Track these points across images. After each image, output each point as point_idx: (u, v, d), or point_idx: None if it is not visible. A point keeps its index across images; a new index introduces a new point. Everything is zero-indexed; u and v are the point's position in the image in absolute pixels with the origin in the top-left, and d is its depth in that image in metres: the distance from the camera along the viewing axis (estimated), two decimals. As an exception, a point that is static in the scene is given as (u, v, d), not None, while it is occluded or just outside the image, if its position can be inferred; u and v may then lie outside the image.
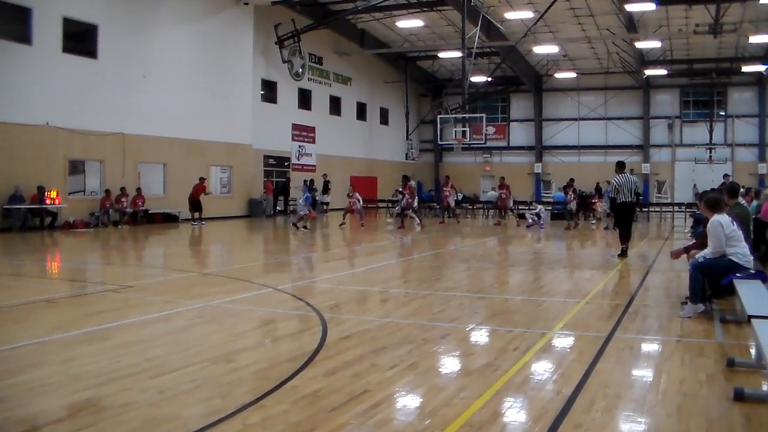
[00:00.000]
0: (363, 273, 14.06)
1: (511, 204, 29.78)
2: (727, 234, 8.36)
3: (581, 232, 24.47)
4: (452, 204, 31.35)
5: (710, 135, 45.58)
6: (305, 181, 35.67)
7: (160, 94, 27.95)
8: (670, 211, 37.11)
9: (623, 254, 15.73)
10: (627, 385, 5.88)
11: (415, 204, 27.60)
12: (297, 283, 12.46)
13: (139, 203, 26.88)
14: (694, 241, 10.64)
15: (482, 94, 47.16)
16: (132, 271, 14.32)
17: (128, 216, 26.37)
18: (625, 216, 15.99)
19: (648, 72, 44.25)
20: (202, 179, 28.37)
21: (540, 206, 28.91)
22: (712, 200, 8.83)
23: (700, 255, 8.67)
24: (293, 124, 38.25)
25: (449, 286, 11.79)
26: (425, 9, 35.11)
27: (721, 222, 8.40)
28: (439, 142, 40.08)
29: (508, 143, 51.78)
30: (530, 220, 27.16)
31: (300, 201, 25.53)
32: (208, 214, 28.84)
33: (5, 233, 21.63)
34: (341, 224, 27.11)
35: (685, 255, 9.78)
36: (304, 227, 24.57)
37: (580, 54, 43.97)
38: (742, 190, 14.69)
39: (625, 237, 15.89)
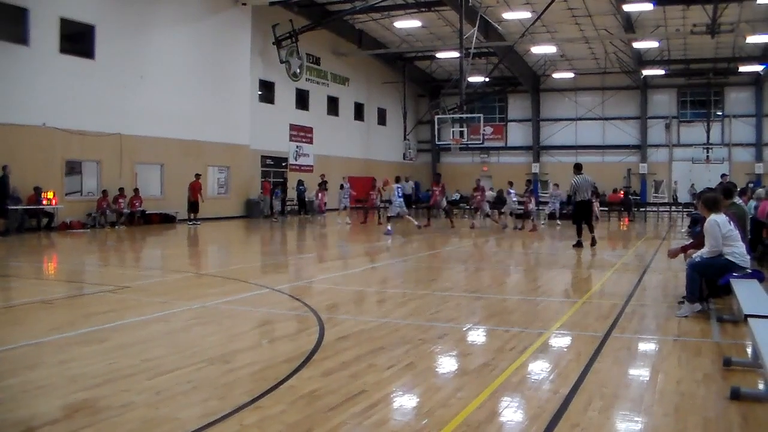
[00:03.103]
0: (360, 273, 14.07)
1: (486, 207, 29.25)
2: (723, 233, 8.35)
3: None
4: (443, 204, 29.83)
5: (707, 135, 45.62)
6: (300, 180, 35.72)
7: (158, 95, 27.93)
8: (667, 211, 37.14)
9: (578, 245, 17.97)
10: (624, 385, 5.88)
11: (444, 203, 29.05)
12: (294, 283, 12.46)
13: (137, 204, 26.86)
14: (692, 240, 10.65)
15: (480, 95, 47.13)
16: (129, 272, 14.31)
17: (125, 217, 26.34)
18: (581, 212, 18.37)
19: (645, 72, 44.35)
20: (197, 176, 28.37)
21: (511, 198, 27.62)
22: (710, 200, 8.82)
23: (698, 254, 8.68)
24: (291, 125, 38.26)
25: (446, 287, 11.80)
26: (423, 9, 35.12)
27: (718, 221, 8.40)
28: (436, 143, 40.18)
29: (506, 143, 51.81)
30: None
31: (395, 199, 24.96)
32: (206, 215, 28.83)
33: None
34: (380, 223, 27.50)
35: (683, 254, 9.79)
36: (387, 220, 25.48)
37: (577, 54, 44.01)
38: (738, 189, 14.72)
39: (580, 231, 18.25)
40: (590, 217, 18.78)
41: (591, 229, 18.58)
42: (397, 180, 25.01)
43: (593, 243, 18.20)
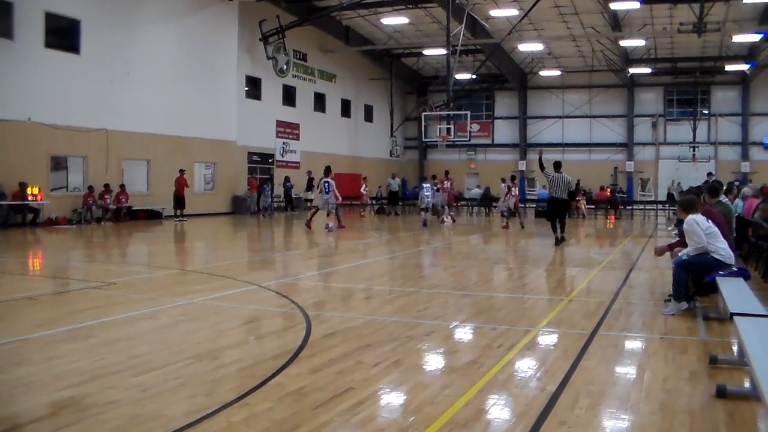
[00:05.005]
0: (347, 270, 14.04)
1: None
2: (704, 231, 8.40)
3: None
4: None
5: (694, 133, 45.84)
6: (287, 177, 35.71)
7: (144, 90, 27.80)
8: (653, 209, 37.29)
9: (558, 242, 18.11)
10: (611, 383, 5.90)
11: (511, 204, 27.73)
12: (281, 280, 12.43)
13: (123, 200, 26.74)
14: (678, 239, 10.70)
15: (467, 92, 47.19)
16: (115, 268, 14.24)
17: (111, 213, 26.24)
18: (555, 210, 18.54)
19: (632, 70, 44.44)
20: (182, 171, 28.25)
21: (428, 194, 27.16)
22: (686, 202, 8.98)
23: (684, 252, 8.72)
24: (277, 121, 38.15)
25: (433, 284, 11.82)
26: (410, 6, 35.08)
27: (697, 220, 8.46)
28: (423, 140, 40.10)
29: (493, 141, 51.83)
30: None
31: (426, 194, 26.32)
32: (193, 211, 28.72)
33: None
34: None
35: (669, 252, 9.83)
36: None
37: (564, 52, 44.10)
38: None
39: (555, 227, 18.33)
40: (564, 216, 18.78)
41: (562, 228, 18.46)
42: (327, 173, 23.16)
43: (561, 241, 18.18)
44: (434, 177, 30.08)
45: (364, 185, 34.13)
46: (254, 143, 35.93)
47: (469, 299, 10.15)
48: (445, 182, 29.03)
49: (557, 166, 18.48)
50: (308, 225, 23.02)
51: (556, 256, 16.33)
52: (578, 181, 38.75)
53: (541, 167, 18.69)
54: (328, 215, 23.06)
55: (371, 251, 18.14)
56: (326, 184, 22.70)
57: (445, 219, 28.25)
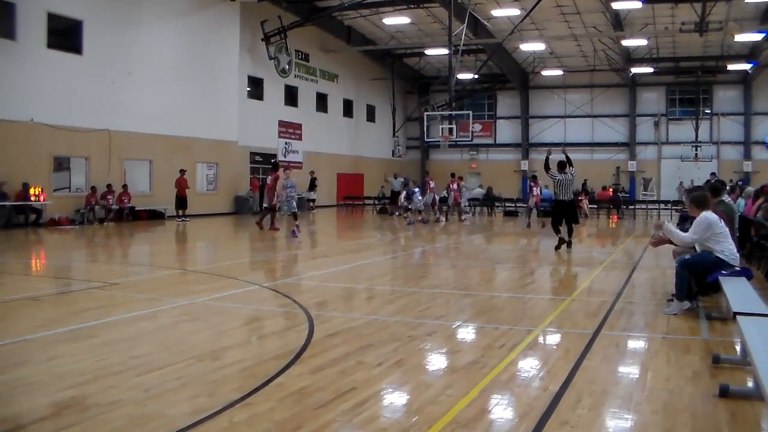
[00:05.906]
0: (349, 270, 14.02)
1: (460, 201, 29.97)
2: (715, 231, 8.38)
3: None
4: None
5: (696, 133, 45.75)
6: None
7: (146, 91, 27.77)
8: (656, 209, 37.25)
9: (560, 244, 17.17)
10: (613, 382, 5.90)
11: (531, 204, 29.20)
12: (283, 280, 12.43)
13: (125, 200, 26.73)
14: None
15: (469, 92, 47.14)
16: (117, 269, 14.23)
17: (114, 213, 26.23)
18: (561, 212, 17.52)
19: (634, 70, 44.37)
20: (182, 171, 28.12)
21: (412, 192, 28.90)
22: (699, 198, 8.88)
23: (676, 234, 8.76)
24: (279, 121, 38.14)
25: (435, 283, 11.81)
26: (412, 6, 35.05)
27: (710, 219, 8.43)
28: (425, 140, 40.08)
29: (495, 140, 51.80)
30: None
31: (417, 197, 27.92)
32: (195, 211, 28.71)
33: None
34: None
35: (672, 252, 9.82)
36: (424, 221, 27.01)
37: (566, 52, 44.04)
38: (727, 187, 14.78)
39: (558, 230, 17.37)
40: (572, 219, 17.68)
41: (570, 232, 17.51)
42: (279, 168, 21.92)
43: (568, 245, 17.18)
44: (453, 175, 30.25)
45: (403, 194, 34.03)
46: (256, 143, 35.92)
47: (471, 299, 10.15)
48: (431, 182, 29.31)
49: (561, 166, 17.45)
50: (294, 233, 20.98)
51: (559, 256, 16.31)
52: (585, 181, 38.83)
53: (546, 168, 17.90)
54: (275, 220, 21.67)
55: (373, 251, 18.12)
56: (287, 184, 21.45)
57: (441, 218, 28.63)
